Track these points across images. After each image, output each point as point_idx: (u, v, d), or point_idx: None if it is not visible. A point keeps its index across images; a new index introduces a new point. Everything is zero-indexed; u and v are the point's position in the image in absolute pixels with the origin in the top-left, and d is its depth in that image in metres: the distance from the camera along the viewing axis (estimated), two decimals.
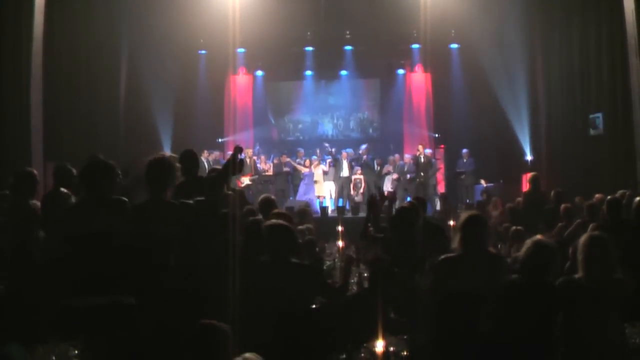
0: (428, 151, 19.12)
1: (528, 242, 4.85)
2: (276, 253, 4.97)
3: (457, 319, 4.78)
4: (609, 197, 8.40)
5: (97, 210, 4.84)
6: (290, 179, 18.89)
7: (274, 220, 5.40)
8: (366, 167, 18.95)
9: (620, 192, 9.71)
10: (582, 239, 4.95)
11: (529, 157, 18.66)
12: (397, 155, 19.43)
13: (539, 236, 5.15)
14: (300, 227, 8.59)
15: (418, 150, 18.77)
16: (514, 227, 9.76)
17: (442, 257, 5.20)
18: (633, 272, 4.98)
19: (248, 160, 18.27)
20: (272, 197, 8.39)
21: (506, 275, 5.17)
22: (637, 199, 7.99)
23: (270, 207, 7.47)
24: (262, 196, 8.43)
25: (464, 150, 18.82)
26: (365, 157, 19.32)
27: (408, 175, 18.51)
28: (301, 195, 18.38)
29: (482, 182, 17.89)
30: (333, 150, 19.31)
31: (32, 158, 12.28)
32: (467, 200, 17.33)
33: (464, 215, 5.31)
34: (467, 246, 5.11)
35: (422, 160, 18.43)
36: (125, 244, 4.74)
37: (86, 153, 8.66)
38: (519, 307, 4.68)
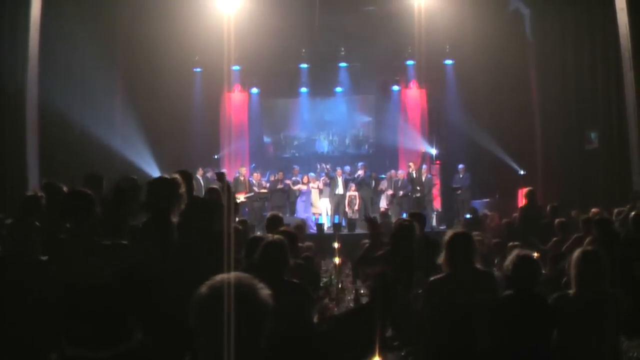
0: (424, 167, 19.17)
1: (511, 257, 4.84)
2: (268, 270, 4.89)
3: (452, 337, 4.78)
4: (597, 217, 8.43)
5: (84, 256, 4.40)
6: (287, 196, 18.87)
7: (270, 237, 5.37)
8: (363, 185, 18.95)
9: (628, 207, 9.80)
10: (575, 254, 4.90)
11: (521, 172, 18.71)
12: (393, 172, 19.43)
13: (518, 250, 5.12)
14: (300, 244, 8.59)
15: (409, 166, 18.80)
16: (511, 243, 9.75)
17: (432, 278, 5.22)
18: (628, 286, 4.97)
19: (242, 178, 18.31)
20: (279, 214, 8.37)
21: (496, 289, 5.17)
22: (632, 213, 8.02)
23: (277, 225, 7.44)
24: (270, 214, 8.46)
25: (460, 166, 18.81)
26: (361, 173, 19.31)
27: (401, 192, 18.52)
28: (300, 213, 18.40)
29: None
30: (328, 167, 19.37)
31: (28, 176, 12.28)
32: (462, 218, 17.26)
33: (448, 233, 5.33)
34: (453, 264, 5.14)
35: (415, 176, 18.44)
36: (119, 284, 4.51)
37: (82, 171, 8.63)
38: (513, 322, 4.67)
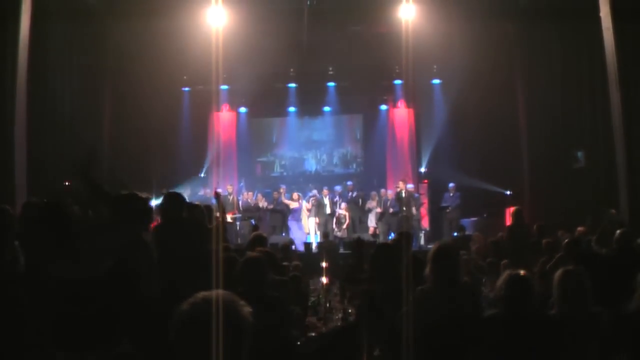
0: (410, 186, 19.14)
1: (503, 276, 4.74)
2: (247, 287, 4.93)
3: (437, 350, 4.75)
4: (566, 240, 8.47)
5: None
6: (282, 216, 18.84)
7: (249, 254, 5.40)
8: (352, 204, 18.94)
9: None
10: (557, 274, 4.90)
11: (509, 192, 18.75)
12: (383, 190, 19.43)
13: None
14: (286, 263, 8.57)
15: (398, 186, 18.74)
16: (504, 261, 9.75)
17: (418, 288, 5.17)
18: (612, 304, 4.97)
19: (231, 197, 18.28)
20: (263, 234, 8.36)
21: (480, 303, 5.14)
22: (618, 232, 8.07)
23: (256, 245, 7.42)
24: (254, 234, 8.43)
25: (451, 185, 18.76)
26: (351, 193, 19.30)
27: (391, 209, 18.49)
28: (293, 232, 18.40)
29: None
30: (315, 193, 19.37)
31: (16, 196, 12.23)
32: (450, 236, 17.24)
33: (434, 246, 5.30)
34: (436, 277, 5.08)
35: (404, 195, 18.42)
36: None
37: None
38: (501, 341, 4.62)
